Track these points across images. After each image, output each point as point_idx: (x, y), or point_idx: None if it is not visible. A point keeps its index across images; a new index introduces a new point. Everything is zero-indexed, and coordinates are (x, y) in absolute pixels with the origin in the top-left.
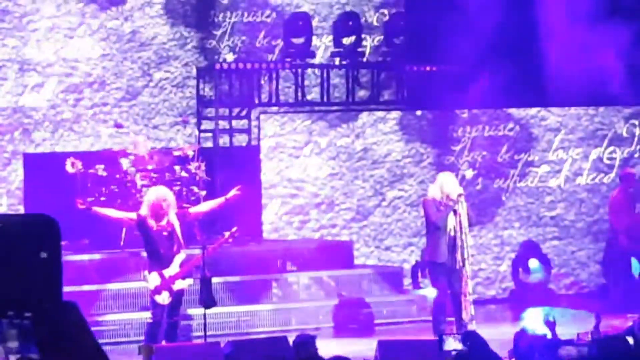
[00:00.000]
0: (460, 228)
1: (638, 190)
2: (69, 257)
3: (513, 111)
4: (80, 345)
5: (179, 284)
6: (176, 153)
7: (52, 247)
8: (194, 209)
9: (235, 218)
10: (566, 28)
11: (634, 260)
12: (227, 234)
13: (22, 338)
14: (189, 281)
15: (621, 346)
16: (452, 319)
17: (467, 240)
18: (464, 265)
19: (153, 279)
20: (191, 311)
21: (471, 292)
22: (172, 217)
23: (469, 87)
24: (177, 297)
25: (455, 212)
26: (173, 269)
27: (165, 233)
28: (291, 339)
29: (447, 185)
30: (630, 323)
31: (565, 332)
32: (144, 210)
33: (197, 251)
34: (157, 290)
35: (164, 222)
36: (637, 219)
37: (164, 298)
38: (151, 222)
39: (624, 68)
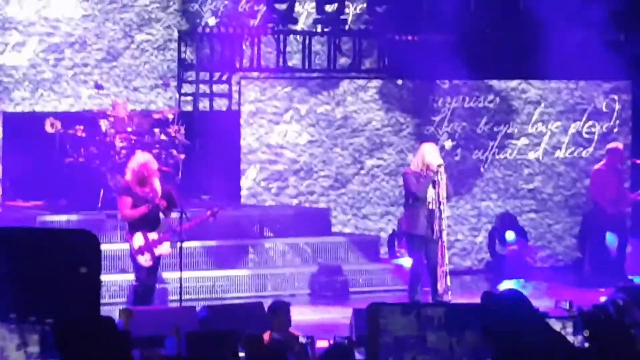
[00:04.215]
0: (439, 199)
1: (623, 165)
2: (46, 218)
3: (494, 83)
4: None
5: (160, 249)
6: (156, 116)
7: (92, 263)
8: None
9: (214, 183)
10: (548, 2)
11: (609, 235)
12: (208, 212)
13: (43, 344)
14: (168, 246)
15: (605, 319)
16: (428, 289)
17: (444, 212)
18: (440, 236)
19: (137, 239)
20: (167, 275)
21: (447, 263)
22: (156, 183)
23: (450, 57)
24: (156, 262)
25: (434, 183)
26: (157, 233)
27: (148, 197)
28: (266, 305)
29: (428, 155)
30: (603, 298)
31: (539, 304)
32: (128, 176)
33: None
34: (140, 251)
35: (147, 188)
36: (624, 194)
37: (146, 259)
38: (136, 188)
39: (604, 43)
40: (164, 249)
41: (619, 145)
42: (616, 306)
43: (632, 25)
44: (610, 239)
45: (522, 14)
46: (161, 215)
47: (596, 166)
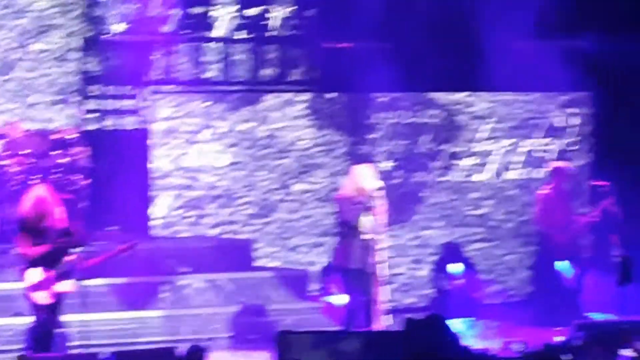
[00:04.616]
0: (376, 228)
1: (572, 186)
2: None
3: (437, 96)
4: None
5: (60, 287)
6: (55, 136)
7: None
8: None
9: (123, 211)
10: (497, 5)
11: (563, 264)
12: (124, 245)
13: None
14: (72, 283)
15: None
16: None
17: (382, 242)
18: (379, 269)
19: (33, 275)
20: (69, 317)
21: (387, 300)
22: (57, 215)
23: (388, 67)
24: (57, 300)
25: (371, 209)
26: (57, 269)
27: (49, 231)
28: (182, 350)
29: (363, 178)
30: (558, 337)
31: (490, 345)
32: (25, 212)
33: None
34: (37, 288)
35: (47, 224)
36: (573, 219)
37: (44, 296)
38: (34, 225)
39: (561, 50)
40: (65, 286)
41: (564, 164)
42: (572, 347)
43: (593, 31)
44: (566, 268)
45: (468, 19)
46: (63, 251)
47: (541, 190)
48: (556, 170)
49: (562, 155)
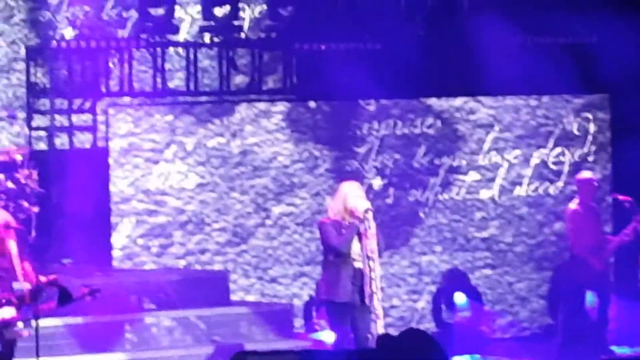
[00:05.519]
0: (367, 254)
1: (597, 201)
2: None
3: (433, 102)
4: None
5: (5, 312)
6: (0, 157)
7: None
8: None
9: (78, 241)
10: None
11: (588, 294)
12: (85, 289)
13: None
14: (22, 325)
15: None
16: None
17: (375, 270)
18: (371, 302)
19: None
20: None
21: None
22: (12, 247)
23: (377, 71)
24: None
25: (360, 234)
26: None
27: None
28: None
29: (351, 198)
30: None
31: None
32: None
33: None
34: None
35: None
36: (606, 240)
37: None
38: None
39: (571, 48)
40: (5, 313)
41: (590, 175)
42: None
43: (606, 25)
44: (590, 299)
45: (466, 14)
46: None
47: (571, 205)
48: (583, 181)
49: (577, 167)
